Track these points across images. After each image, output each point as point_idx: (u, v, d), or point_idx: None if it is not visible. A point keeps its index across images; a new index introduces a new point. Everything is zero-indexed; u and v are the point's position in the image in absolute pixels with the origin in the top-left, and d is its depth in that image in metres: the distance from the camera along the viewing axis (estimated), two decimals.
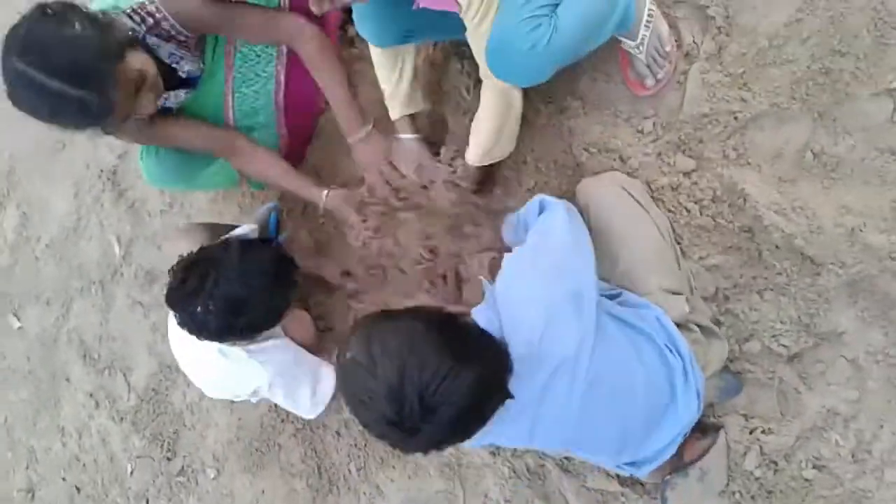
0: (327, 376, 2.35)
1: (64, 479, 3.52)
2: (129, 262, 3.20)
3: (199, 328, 1.91)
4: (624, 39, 1.86)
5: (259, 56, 2.22)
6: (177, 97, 2.12)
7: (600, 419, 1.57)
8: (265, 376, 2.18)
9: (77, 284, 3.39)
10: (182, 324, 1.92)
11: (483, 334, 1.47)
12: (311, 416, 2.39)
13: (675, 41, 1.90)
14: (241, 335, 2.02)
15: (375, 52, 2.06)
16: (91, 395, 3.34)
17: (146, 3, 1.88)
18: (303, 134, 2.56)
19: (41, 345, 3.56)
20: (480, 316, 1.54)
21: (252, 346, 2.14)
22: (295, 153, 2.58)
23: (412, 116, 2.20)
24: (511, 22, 1.59)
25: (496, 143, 1.96)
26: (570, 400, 1.50)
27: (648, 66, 1.89)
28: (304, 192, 2.40)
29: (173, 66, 2.05)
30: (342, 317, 2.59)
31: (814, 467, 1.85)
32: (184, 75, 2.10)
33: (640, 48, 1.85)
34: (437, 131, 2.34)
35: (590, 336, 1.50)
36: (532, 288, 1.55)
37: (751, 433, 1.91)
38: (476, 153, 1.99)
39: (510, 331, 1.50)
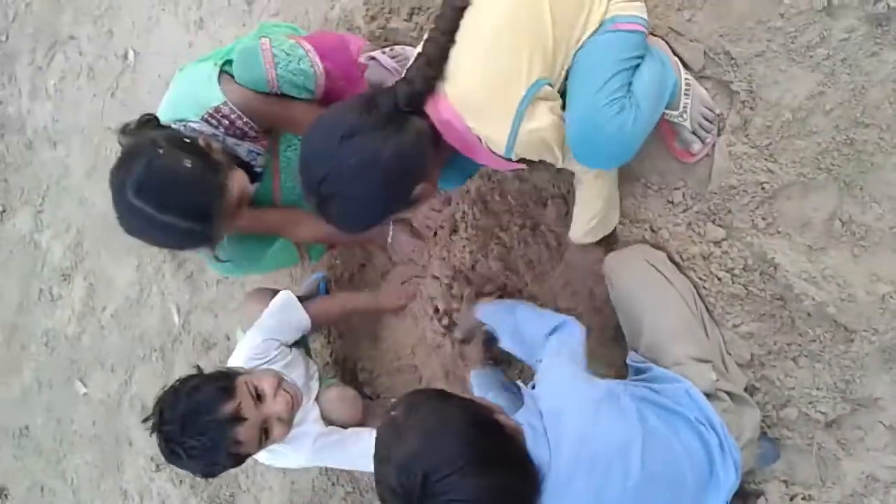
0: (369, 435, 2.36)
1: None
2: (188, 330, 3.34)
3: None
4: (668, 112, 1.92)
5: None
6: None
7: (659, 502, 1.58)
8: (301, 459, 2.25)
9: (139, 352, 3.55)
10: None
11: (518, 453, 1.47)
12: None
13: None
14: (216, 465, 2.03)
15: None
16: (152, 458, 3.47)
17: (220, 106, 1.99)
18: None
19: (105, 410, 3.72)
20: (522, 419, 1.56)
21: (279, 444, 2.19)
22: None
23: None
24: (593, 109, 1.60)
25: (604, 219, 2.03)
26: (624, 496, 1.51)
27: (694, 132, 1.93)
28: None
29: (252, 163, 2.18)
30: (388, 388, 2.67)
31: None
32: (259, 170, 2.24)
33: (684, 116, 1.90)
34: None
35: (637, 430, 1.53)
36: (574, 389, 1.60)
37: (791, 500, 1.91)
38: (583, 233, 2.05)
39: (555, 434, 1.51)
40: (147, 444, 3.48)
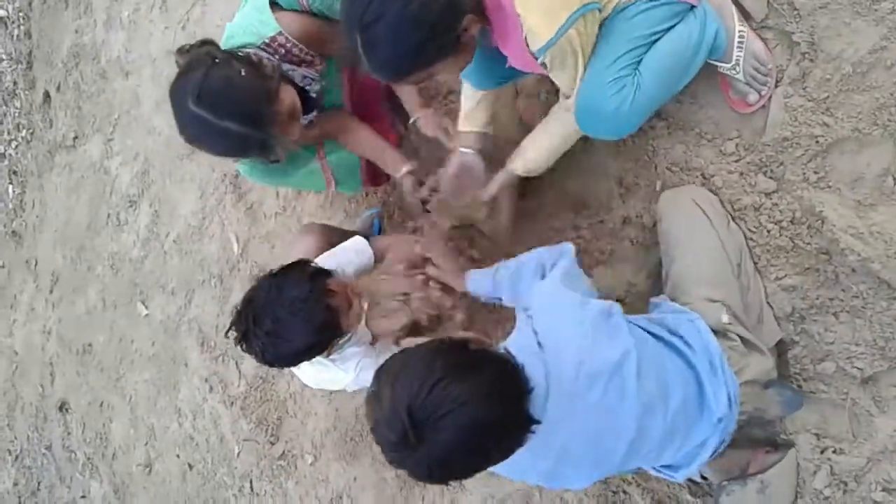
0: None
1: (178, 455, 3.82)
2: (246, 259, 3.45)
3: (267, 362, 2.05)
4: (719, 64, 1.92)
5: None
6: (308, 120, 2.34)
7: (655, 420, 1.61)
8: (347, 379, 2.34)
9: (199, 277, 3.68)
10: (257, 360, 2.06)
11: (490, 355, 1.45)
12: None
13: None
14: (302, 358, 2.10)
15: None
16: (206, 380, 3.62)
17: (276, 35, 2.09)
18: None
19: (164, 331, 3.87)
20: (514, 344, 1.59)
21: (334, 356, 2.27)
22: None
23: (477, 135, 2.24)
24: (597, 85, 1.69)
25: (546, 161, 2.08)
26: (623, 404, 1.56)
27: (749, 84, 1.94)
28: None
29: (306, 87, 2.26)
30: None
31: (883, 490, 1.85)
32: (314, 95, 2.32)
33: (737, 69, 1.91)
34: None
35: (631, 346, 1.58)
36: (572, 310, 1.64)
37: (822, 452, 1.93)
38: (524, 165, 2.10)
39: (555, 354, 1.55)
40: (202, 365, 3.63)
